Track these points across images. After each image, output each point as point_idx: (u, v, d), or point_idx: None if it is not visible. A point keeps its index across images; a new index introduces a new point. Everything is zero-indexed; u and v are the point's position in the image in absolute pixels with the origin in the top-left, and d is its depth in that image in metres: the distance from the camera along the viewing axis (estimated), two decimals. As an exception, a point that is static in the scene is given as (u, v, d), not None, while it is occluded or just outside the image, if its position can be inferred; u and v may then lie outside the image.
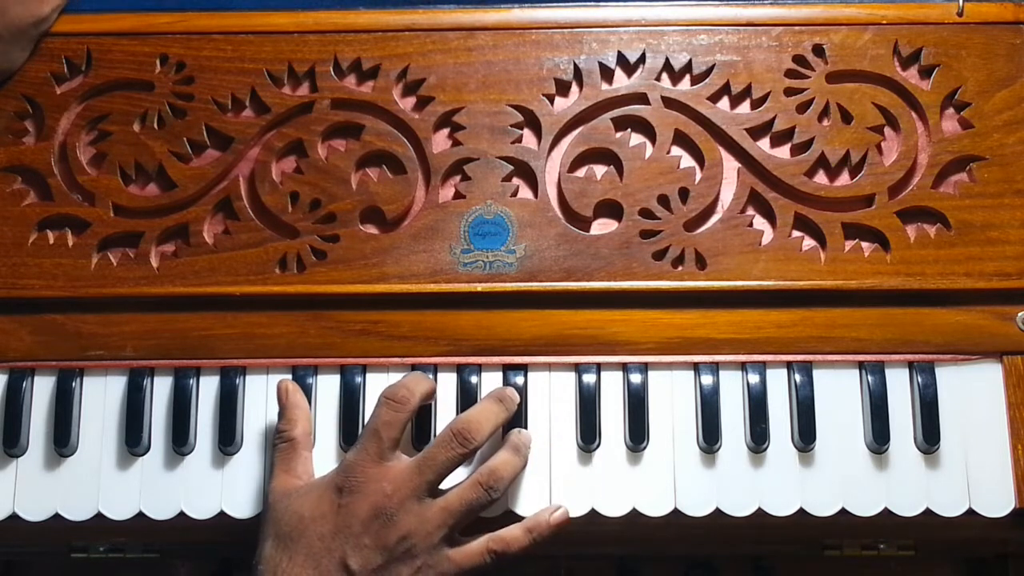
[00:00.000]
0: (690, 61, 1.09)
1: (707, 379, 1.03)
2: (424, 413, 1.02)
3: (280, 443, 1.00)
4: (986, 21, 1.09)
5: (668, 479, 1.02)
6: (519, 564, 0.98)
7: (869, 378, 1.03)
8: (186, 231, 1.07)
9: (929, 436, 1.02)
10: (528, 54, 1.09)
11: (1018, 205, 1.06)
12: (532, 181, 1.07)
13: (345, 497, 0.95)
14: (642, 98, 1.09)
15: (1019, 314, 1.04)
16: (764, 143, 1.08)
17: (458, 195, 1.07)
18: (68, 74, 1.10)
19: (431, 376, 1.04)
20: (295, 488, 0.97)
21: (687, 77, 1.09)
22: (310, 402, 1.03)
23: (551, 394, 1.04)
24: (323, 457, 1.03)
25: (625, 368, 1.04)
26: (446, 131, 1.09)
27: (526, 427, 1.03)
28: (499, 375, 1.04)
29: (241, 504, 1.02)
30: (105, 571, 1.11)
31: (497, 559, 0.96)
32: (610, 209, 1.07)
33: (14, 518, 1.02)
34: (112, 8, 1.11)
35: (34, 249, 1.06)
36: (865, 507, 1.01)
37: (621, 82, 1.10)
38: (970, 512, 1.01)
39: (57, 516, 1.02)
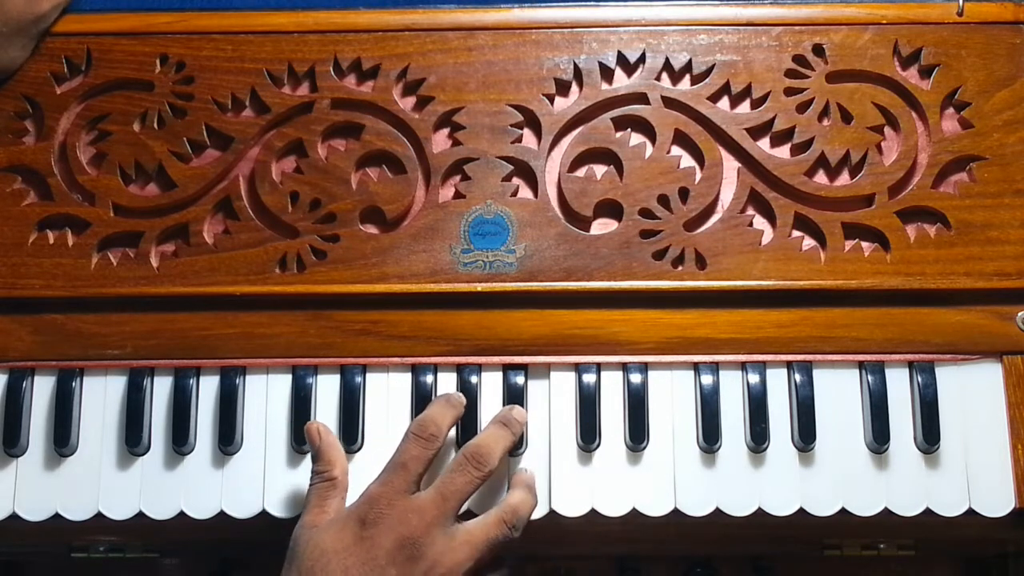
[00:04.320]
0: (690, 61, 1.09)
1: (707, 379, 1.03)
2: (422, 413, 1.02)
3: (320, 482, 0.98)
4: (986, 21, 1.09)
5: (668, 479, 1.02)
6: (521, 564, 0.97)
7: (869, 378, 1.03)
8: (186, 231, 1.07)
9: (929, 436, 1.02)
10: (528, 54, 1.09)
11: (1018, 205, 1.06)
12: (532, 181, 1.07)
13: (369, 529, 0.93)
14: (642, 98, 1.09)
15: (1019, 314, 1.04)
16: (764, 143, 1.08)
17: (458, 195, 1.07)
18: (68, 74, 1.10)
19: (431, 376, 1.04)
20: (321, 523, 0.96)
21: (687, 77, 1.09)
22: (310, 402, 1.03)
23: (551, 394, 1.04)
24: (323, 457, 1.03)
25: (625, 368, 1.04)
26: (446, 131, 1.09)
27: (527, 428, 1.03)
28: (499, 375, 1.04)
29: (241, 504, 1.02)
30: (105, 571, 1.11)
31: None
32: (610, 209, 1.07)
33: (14, 518, 1.02)
34: (112, 8, 1.11)
35: (34, 249, 1.06)
36: (865, 507, 1.01)
37: (621, 82, 1.10)
38: (970, 512, 1.01)
39: (57, 516, 1.02)
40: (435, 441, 0.97)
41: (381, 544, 0.92)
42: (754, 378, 1.03)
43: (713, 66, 1.09)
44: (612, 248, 1.06)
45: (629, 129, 1.09)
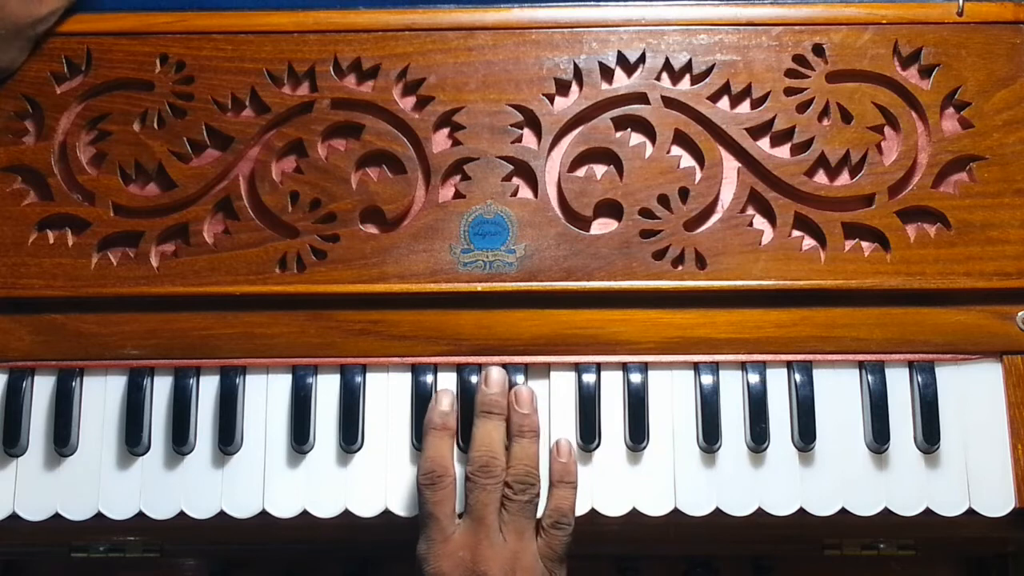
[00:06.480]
0: (690, 61, 1.09)
1: (707, 379, 1.03)
2: (421, 413, 1.02)
3: None
4: (986, 21, 1.09)
5: (668, 479, 1.02)
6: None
7: (869, 378, 1.03)
8: (186, 231, 1.07)
9: (929, 436, 1.02)
10: (528, 54, 1.09)
11: (1018, 205, 1.06)
12: (532, 181, 1.07)
13: None
14: (642, 98, 1.09)
15: (1019, 314, 1.04)
16: (764, 143, 1.08)
17: (458, 195, 1.07)
18: (68, 74, 1.10)
19: (431, 376, 1.04)
20: None
21: (687, 77, 1.09)
22: (310, 402, 1.03)
23: (551, 394, 1.04)
24: (323, 457, 1.03)
25: (625, 368, 1.04)
26: (446, 131, 1.09)
27: (526, 427, 1.03)
28: (499, 375, 1.04)
29: (241, 504, 1.02)
30: (105, 571, 1.11)
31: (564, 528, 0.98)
32: (610, 209, 1.07)
33: (14, 518, 1.02)
34: (112, 8, 1.11)
35: (34, 249, 1.06)
36: (865, 507, 1.01)
37: (621, 82, 1.10)
38: (970, 512, 1.01)
39: (57, 516, 1.02)
40: (445, 479, 0.97)
41: None
42: (754, 378, 1.03)
43: (713, 66, 1.09)
44: (612, 248, 1.06)
45: (629, 129, 1.09)
